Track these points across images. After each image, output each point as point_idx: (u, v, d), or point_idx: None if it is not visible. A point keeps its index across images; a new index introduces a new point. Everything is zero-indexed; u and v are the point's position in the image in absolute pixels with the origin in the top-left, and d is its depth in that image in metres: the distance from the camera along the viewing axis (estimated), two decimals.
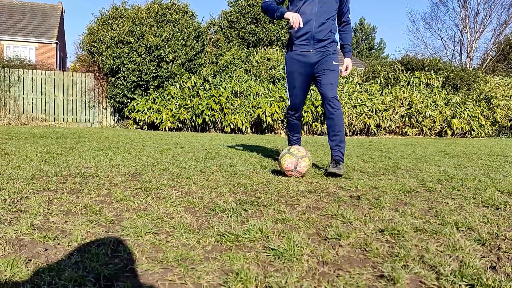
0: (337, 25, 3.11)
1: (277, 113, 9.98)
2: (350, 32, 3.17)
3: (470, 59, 25.48)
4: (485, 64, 23.14)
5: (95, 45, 11.21)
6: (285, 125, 10.47)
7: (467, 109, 11.43)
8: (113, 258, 1.17)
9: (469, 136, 11.66)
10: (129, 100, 11.33)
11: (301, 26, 2.79)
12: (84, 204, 1.77)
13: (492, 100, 11.97)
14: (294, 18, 2.75)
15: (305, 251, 1.27)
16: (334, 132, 2.93)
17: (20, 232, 1.38)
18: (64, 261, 1.13)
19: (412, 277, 1.09)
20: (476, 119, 11.45)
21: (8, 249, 1.22)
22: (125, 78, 11.05)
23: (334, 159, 2.88)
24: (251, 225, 1.49)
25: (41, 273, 1.05)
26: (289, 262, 1.18)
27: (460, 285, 1.04)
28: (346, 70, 3.12)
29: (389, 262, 1.19)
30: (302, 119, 10.19)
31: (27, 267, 1.09)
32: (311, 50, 2.97)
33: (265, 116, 9.91)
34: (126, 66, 10.92)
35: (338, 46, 3.14)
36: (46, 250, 1.23)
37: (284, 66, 3.22)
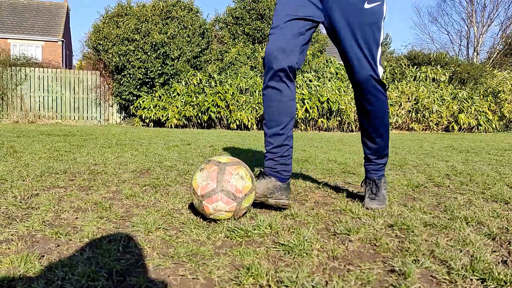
0: None
1: None
2: None
3: (477, 54, 25.26)
4: (492, 58, 22.93)
5: (101, 42, 11.25)
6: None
7: (474, 104, 11.34)
8: (125, 253, 1.18)
9: (476, 131, 11.57)
10: (135, 98, 11.37)
11: None
12: (94, 201, 1.79)
13: (499, 94, 11.87)
14: None
15: (315, 246, 1.27)
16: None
17: (32, 228, 1.39)
18: (77, 257, 1.14)
19: (423, 272, 1.09)
20: (483, 113, 11.36)
21: (20, 245, 1.23)
22: (131, 76, 11.08)
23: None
24: (260, 221, 1.49)
25: (54, 268, 1.06)
26: (299, 257, 1.18)
27: (471, 280, 1.04)
28: None
29: (399, 257, 1.19)
30: (308, 115, 10.17)
31: (40, 262, 1.10)
32: None
33: None
34: (131, 63, 10.95)
35: None
36: (58, 246, 1.24)
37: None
